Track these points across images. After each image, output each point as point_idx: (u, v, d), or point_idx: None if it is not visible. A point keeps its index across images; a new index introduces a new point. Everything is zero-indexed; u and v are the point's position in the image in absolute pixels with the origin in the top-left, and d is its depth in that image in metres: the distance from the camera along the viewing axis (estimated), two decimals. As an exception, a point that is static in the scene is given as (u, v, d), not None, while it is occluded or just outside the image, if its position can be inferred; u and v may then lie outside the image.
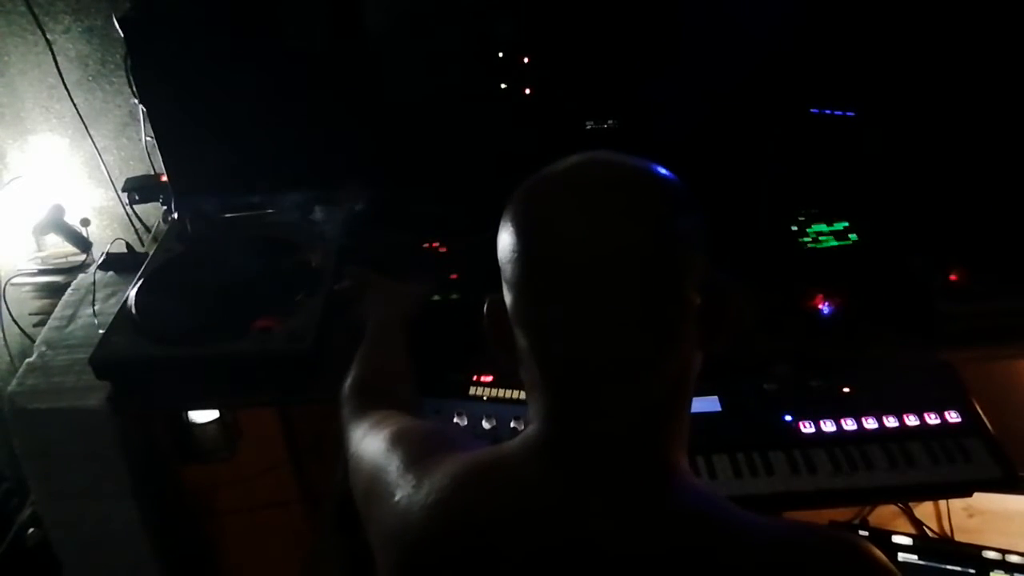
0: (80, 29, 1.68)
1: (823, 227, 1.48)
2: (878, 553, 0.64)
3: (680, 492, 0.66)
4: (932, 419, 1.21)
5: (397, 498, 0.73)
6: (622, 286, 0.63)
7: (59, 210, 1.72)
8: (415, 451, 0.78)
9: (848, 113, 1.49)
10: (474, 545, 0.68)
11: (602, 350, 0.64)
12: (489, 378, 1.28)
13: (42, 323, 1.58)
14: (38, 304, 1.71)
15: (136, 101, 1.60)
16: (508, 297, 0.69)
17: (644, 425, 0.67)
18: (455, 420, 1.22)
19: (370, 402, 0.99)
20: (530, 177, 0.70)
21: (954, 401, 1.23)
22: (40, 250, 1.82)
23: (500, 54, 1.48)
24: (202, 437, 1.57)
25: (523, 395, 1.23)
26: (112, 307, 1.47)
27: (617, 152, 0.69)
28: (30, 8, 1.62)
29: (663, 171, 0.68)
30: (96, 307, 1.52)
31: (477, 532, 0.68)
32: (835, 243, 1.45)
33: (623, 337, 0.64)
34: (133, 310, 1.33)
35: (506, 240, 0.68)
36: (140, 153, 1.77)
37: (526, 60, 1.48)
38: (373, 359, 1.13)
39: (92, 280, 1.58)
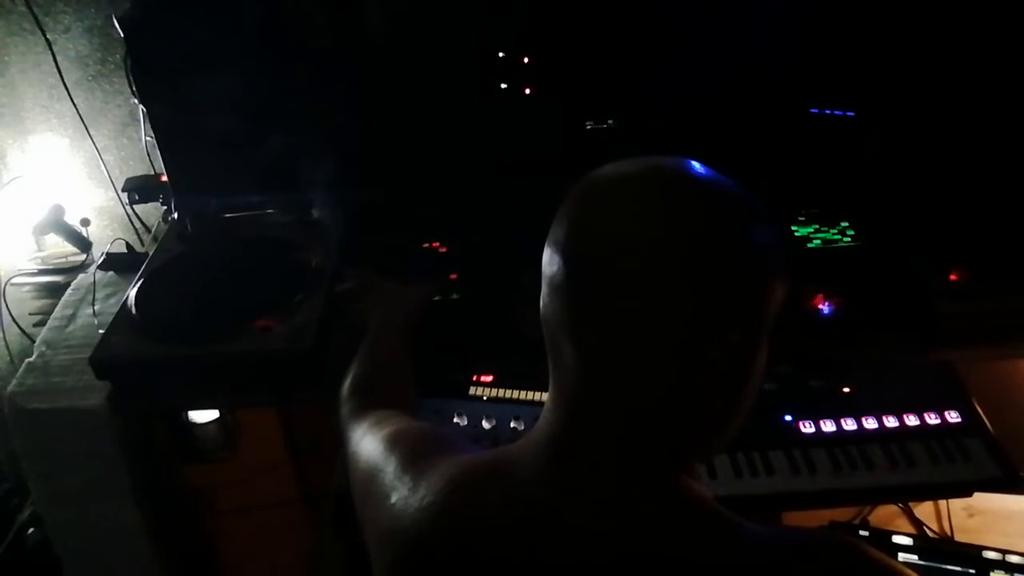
0: (80, 29, 1.67)
1: (823, 227, 1.48)
2: (878, 554, 0.63)
3: (680, 499, 0.65)
4: (932, 419, 1.21)
5: (393, 499, 0.73)
6: (662, 300, 0.60)
7: (59, 210, 1.72)
8: (412, 453, 0.78)
9: (848, 113, 1.49)
10: (468, 546, 0.68)
11: (620, 352, 0.63)
12: (489, 378, 1.28)
13: (42, 323, 1.58)
14: (38, 304, 1.71)
15: (136, 101, 1.60)
16: (543, 288, 0.67)
17: (650, 431, 0.65)
18: (455, 420, 1.21)
19: (369, 403, 0.99)
20: (594, 173, 0.67)
21: (954, 401, 1.23)
22: (40, 250, 1.81)
23: (500, 54, 1.48)
24: (202, 437, 1.57)
25: (523, 395, 1.24)
26: (112, 307, 1.47)
27: (688, 161, 0.66)
28: (30, 8, 1.62)
29: (736, 186, 0.66)
30: (96, 307, 1.52)
31: (472, 533, 0.68)
32: (835, 243, 1.45)
33: (646, 345, 0.62)
34: (133, 310, 1.33)
35: (556, 232, 0.65)
36: (140, 153, 1.77)
37: (526, 60, 1.48)
38: (373, 360, 1.12)
39: (92, 280, 1.58)
